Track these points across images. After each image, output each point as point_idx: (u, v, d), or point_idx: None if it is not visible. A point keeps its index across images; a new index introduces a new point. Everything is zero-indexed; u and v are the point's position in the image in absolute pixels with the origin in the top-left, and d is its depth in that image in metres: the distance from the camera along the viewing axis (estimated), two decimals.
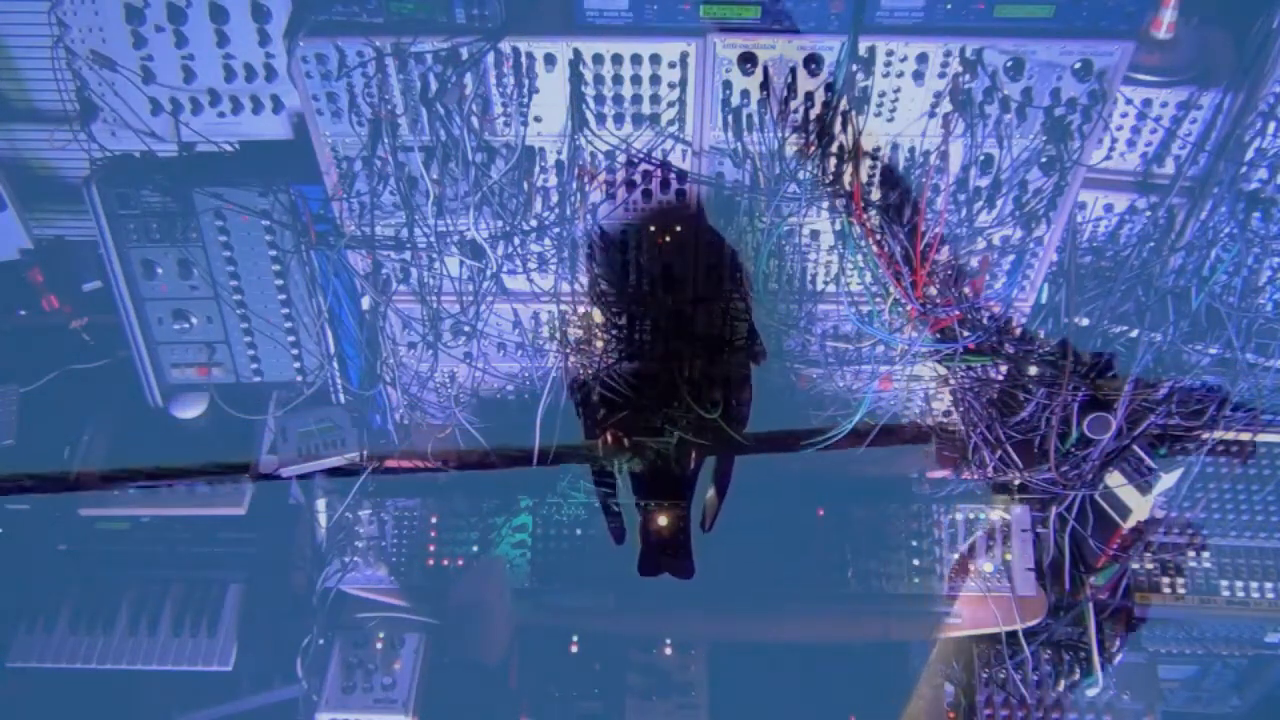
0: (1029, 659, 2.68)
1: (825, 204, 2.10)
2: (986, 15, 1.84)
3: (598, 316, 2.32)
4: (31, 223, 2.44)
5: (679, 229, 2.17)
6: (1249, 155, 2.02)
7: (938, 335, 2.20)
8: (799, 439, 2.42)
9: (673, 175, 2.07)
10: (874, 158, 2.04)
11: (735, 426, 2.42)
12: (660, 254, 2.21)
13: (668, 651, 2.79)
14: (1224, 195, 2.06)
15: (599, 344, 2.36)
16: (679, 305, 2.28)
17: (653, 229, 2.17)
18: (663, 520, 2.48)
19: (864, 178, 2.05)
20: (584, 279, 2.24)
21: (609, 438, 2.45)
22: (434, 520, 2.75)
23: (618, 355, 2.36)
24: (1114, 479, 2.34)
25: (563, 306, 2.30)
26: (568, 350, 2.37)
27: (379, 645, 2.77)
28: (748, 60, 1.90)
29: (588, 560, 2.73)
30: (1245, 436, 2.45)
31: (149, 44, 2.02)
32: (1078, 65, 1.88)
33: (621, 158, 2.05)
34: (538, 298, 2.29)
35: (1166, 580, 2.65)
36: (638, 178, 2.08)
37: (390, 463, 2.54)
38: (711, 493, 2.54)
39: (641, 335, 2.35)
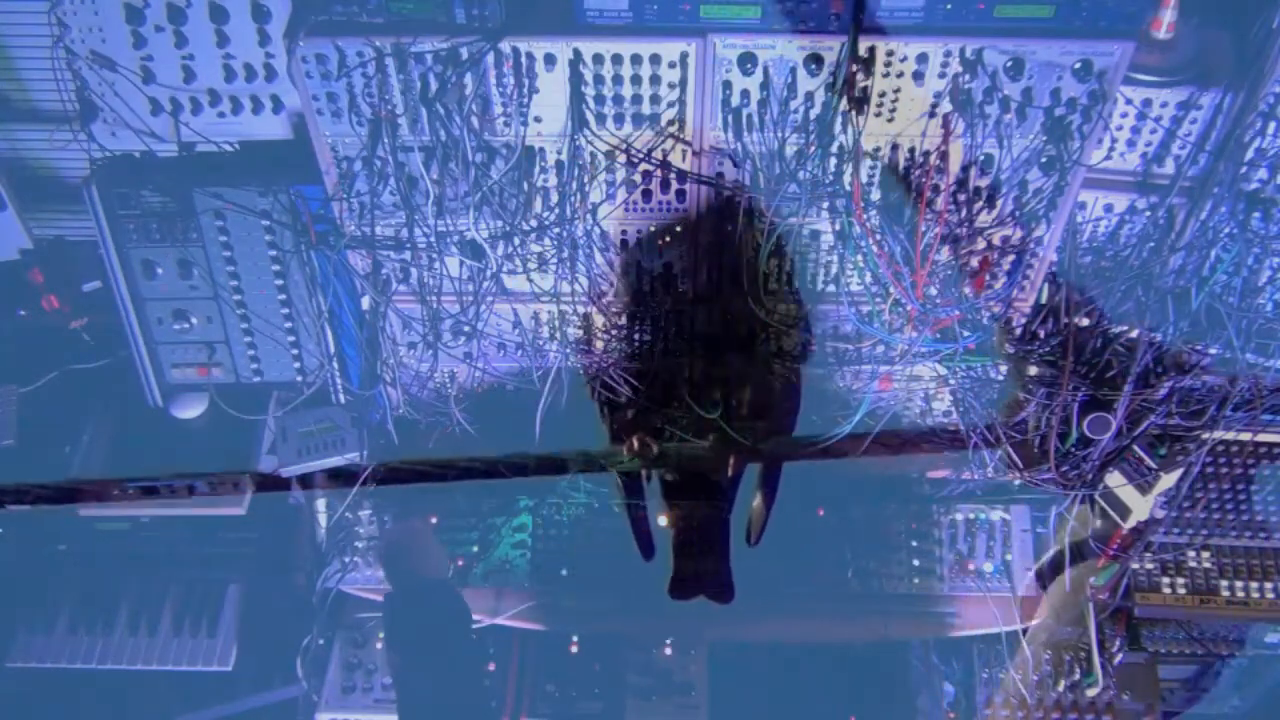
0: (1029, 659, 2.68)
1: (825, 204, 2.10)
2: (986, 15, 1.84)
3: (621, 318, 2.30)
4: (31, 223, 2.44)
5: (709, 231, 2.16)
6: (1249, 155, 2.02)
7: (938, 335, 2.20)
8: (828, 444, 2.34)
9: (673, 175, 2.08)
10: (874, 158, 2.04)
11: (782, 428, 2.32)
12: (697, 256, 2.20)
13: (668, 651, 2.80)
14: (1224, 195, 2.06)
15: (621, 344, 2.34)
16: (718, 308, 2.25)
17: (679, 229, 2.16)
18: (701, 539, 2.26)
19: (864, 178, 2.05)
20: (614, 279, 2.23)
21: (635, 443, 2.29)
22: (434, 520, 2.75)
23: (650, 353, 2.31)
24: (1114, 479, 2.34)
25: (562, 306, 2.30)
26: (568, 350, 2.36)
27: (379, 645, 2.77)
28: (748, 60, 1.90)
29: (588, 560, 2.73)
30: (1245, 436, 2.45)
31: (149, 44, 2.02)
32: (1078, 65, 1.88)
33: (621, 158, 2.05)
34: (538, 298, 2.29)
35: (1166, 580, 2.65)
36: (638, 177, 2.08)
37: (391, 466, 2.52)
38: (758, 502, 2.39)
39: (672, 337, 2.32)
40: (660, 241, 2.19)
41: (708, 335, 2.31)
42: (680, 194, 2.12)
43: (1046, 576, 2.70)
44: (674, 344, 2.32)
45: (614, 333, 2.32)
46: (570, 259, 2.19)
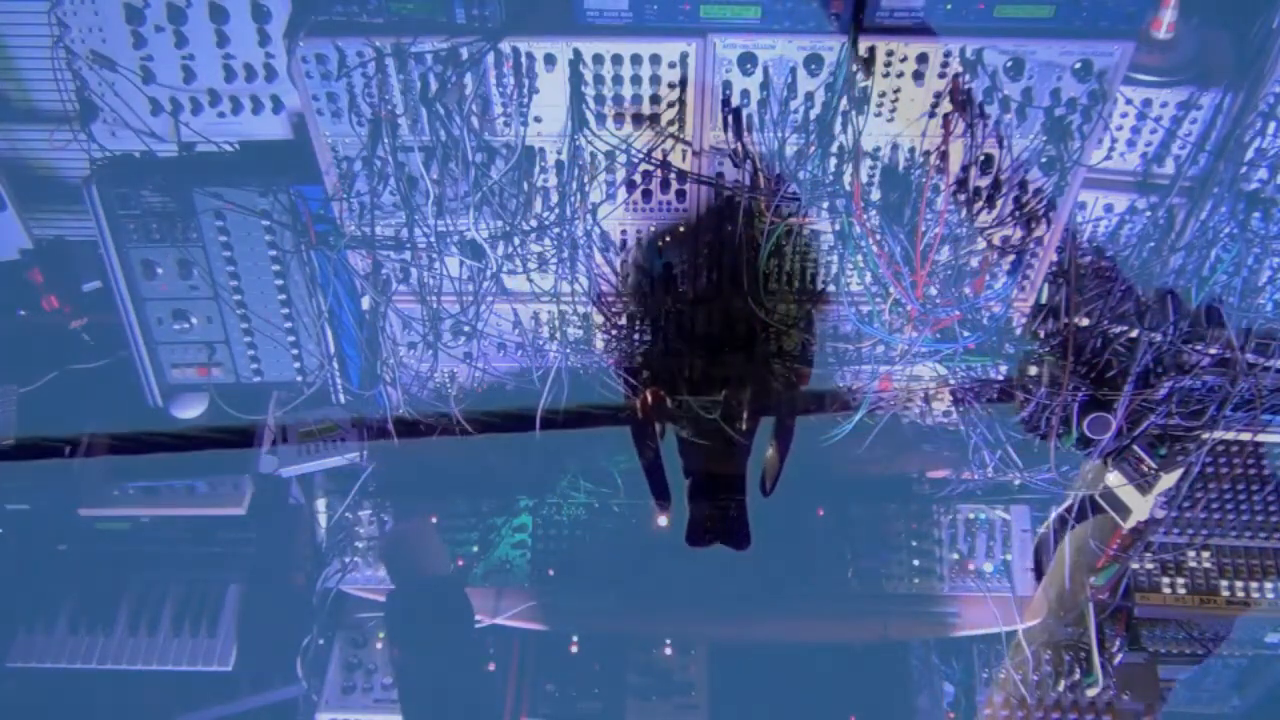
0: (1029, 659, 2.69)
1: (825, 204, 2.10)
2: (986, 15, 1.84)
3: (620, 318, 2.30)
4: (31, 223, 2.44)
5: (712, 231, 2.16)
6: (1249, 155, 2.02)
7: (938, 335, 2.20)
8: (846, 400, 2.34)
9: (673, 175, 2.08)
10: (874, 158, 2.04)
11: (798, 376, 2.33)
12: (702, 255, 2.20)
13: (668, 651, 2.80)
14: (1224, 195, 2.06)
15: (620, 343, 2.33)
16: (717, 308, 2.26)
17: (681, 230, 2.17)
18: (716, 485, 2.27)
19: (864, 178, 2.05)
20: (612, 277, 2.23)
21: (649, 396, 2.29)
22: (434, 520, 2.75)
23: (649, 352, 2.32)
24: (1114, 479, 2.34)
25: (562, 306, 2.30)
26: (568, 350, 2.36)
27: (379, 645, 2.77)
28: (748, 60, 1.90)
29: (588, 560, 2.73)
30: (1245, 436, 2.45)
31: (149, 44, 2.02)
32: (1078, 65, 1.88)
33: (621, 158, 2.05)
34: (538, 298, 2.29)
35: (1166, 580, 2.65)
36: (638, 177, 2.09)
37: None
38: (771, 452, 2.38)
39: (671, 336, 2.32)
40: (661, 242, 2.19)
41: (707, 335, 2.31)
42: (680, 194, 2.12)
43: (1046, 576, 2.70)
44: (674, 343, 2.32)
45: (613, 332, 2.32)
46: (570, 259, 2.19)
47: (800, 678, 2.81)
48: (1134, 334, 2.25)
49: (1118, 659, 2.69)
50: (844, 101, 1.91)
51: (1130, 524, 2.42)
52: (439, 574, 2.44)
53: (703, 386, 2.33)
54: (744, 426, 2.32)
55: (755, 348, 2.30)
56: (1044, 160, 2.03)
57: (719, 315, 2.28)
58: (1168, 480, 2.30)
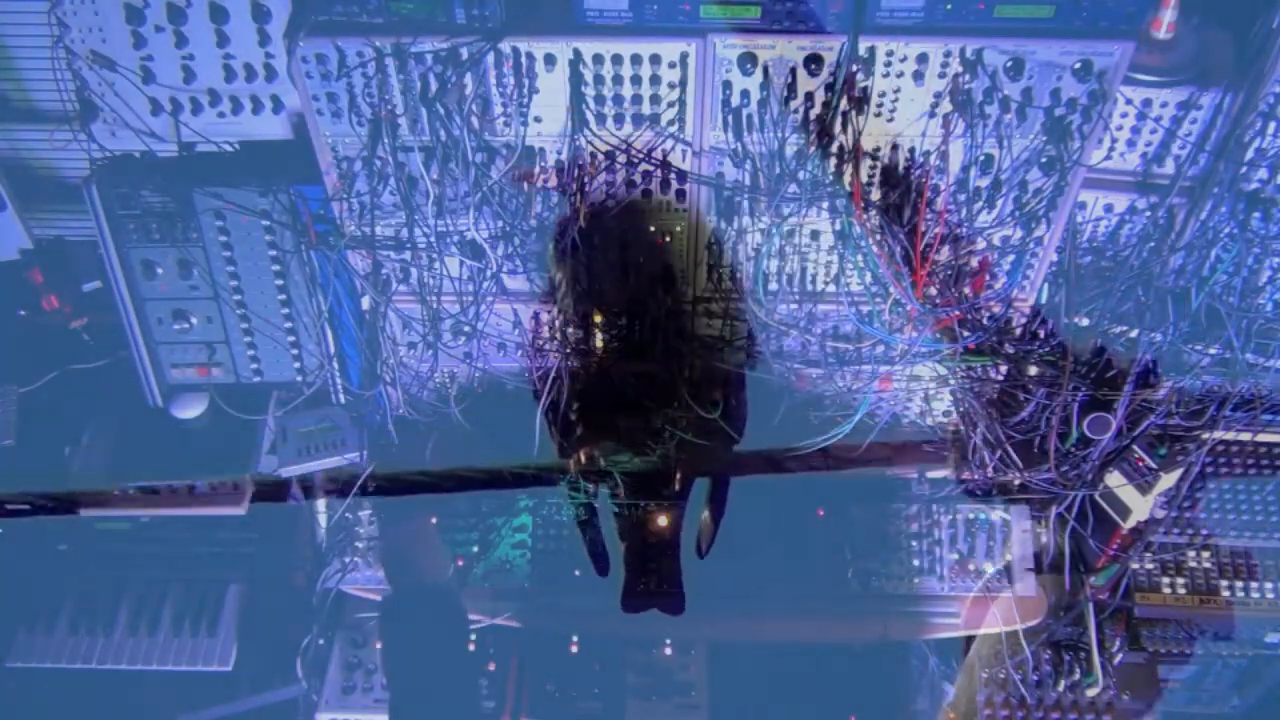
0: (1029, 659, 2.68)
1: (825, 204, 2.10)
2: (986, 15, 1.84)
3: (597, 317, 2.31)
4: (31, 223, 2.44)
5: (661, 229, 2.17)
6: (1249, 155, 2.02)
7: (938, 335, 2.20)
8: (791, 457, 2.36)
9: (673, 175, 2.08)
10: (874, 158, 2.04)
11: (732, 431, 2.34)
12: (657, 255, 2.21)
13: (668, 651, 2.80)
14: (1224, 195, 2.06)
15: (597, 343, 2.34)
16: (673, 306, 2.26)
17: (653, 229, 2.17)
18: (650, 548, 2.29)
19: (864, 178, 2.05)
20: (569, 279, 2.23)
21: (583, 457, 2.31)
22: (434, 520, 2.75)
23: (612, 357, 2.32)
24: (1114, 479, 2.34)
25: (563, 306, 2.30)
26: (567, 350, 2.36)
27: (379, 645, 2.77)
28: (748, 60, 1.90)
29: (588, 560, 2.73)
30: (1245, 436, 2.45)
31: (149, 44, 2.02)
32: (1078, 65, 1.88)
33: (622, 158, 2.05)
34: (538, 298, 2.29)
35: (1166, 580, 2.65)
36: (638, 177, 2.08)
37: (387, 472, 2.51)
38: (706, 515, 2.42)
39: (634, 336, 2.32)
40: (659, 241, 2.19)
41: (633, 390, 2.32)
42: (680, 194, 2.12)
43: (1045, 576, 2.70)
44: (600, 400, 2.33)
45: (612, 332, 2.32)
46: (569, 258, 2.19)
47: (800, 678, 2.81)
48: (1134, 334, 2.25)
49: (1118, 659, 2.69)
50: (844, 101, 1.91)
51: (1130, 524, 2.42)
52: (439, 577, 2.43)
53: (635, 446, 2.33)
54: (677, 488, 2.33)
55: (683, 403, 2.29)
56: (1044, 160, 2.03)
57: (647, 365, 2.28)
58: (1168, 480, 2.30)
